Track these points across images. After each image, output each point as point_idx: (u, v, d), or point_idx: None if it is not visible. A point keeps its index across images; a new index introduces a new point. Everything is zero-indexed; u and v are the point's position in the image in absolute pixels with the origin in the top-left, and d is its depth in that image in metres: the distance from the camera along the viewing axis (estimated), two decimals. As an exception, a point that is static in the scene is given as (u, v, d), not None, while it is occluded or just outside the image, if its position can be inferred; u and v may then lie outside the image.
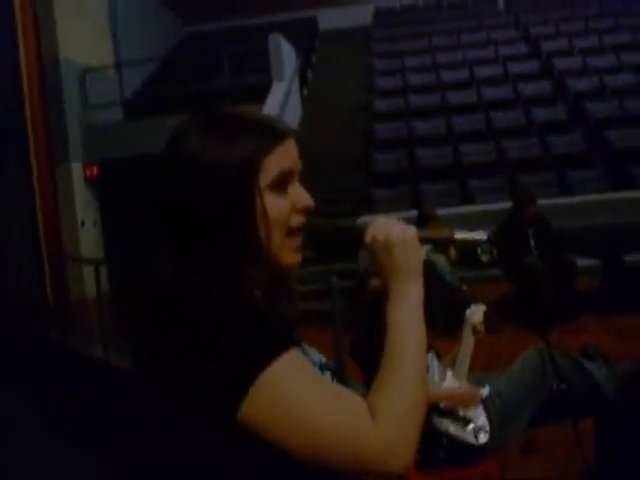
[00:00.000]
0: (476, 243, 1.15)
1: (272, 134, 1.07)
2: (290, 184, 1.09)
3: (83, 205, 11.36)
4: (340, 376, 1.18)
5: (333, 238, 1.17)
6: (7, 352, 7.06)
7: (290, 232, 1.09)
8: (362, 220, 1.20)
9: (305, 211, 1.10)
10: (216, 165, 1.02)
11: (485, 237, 1.15)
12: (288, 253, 1.10)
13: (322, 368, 1.13)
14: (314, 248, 1.16)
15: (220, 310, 0.96)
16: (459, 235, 1.15)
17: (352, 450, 0.93)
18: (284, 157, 1.07)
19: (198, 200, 1.02)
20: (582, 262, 6.81)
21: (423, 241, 1.13)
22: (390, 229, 1.12)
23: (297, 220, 1.10)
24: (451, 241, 1.16)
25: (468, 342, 2.87)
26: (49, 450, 4.96)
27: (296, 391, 0.93)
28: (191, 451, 0.98)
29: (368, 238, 1.13)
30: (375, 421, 0.96)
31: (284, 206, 1.07)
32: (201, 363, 0.93)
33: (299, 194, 1.10)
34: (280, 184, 1.07)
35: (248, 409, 0.91)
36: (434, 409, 2.72)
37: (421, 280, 1.13)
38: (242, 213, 1.03)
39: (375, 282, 2.88)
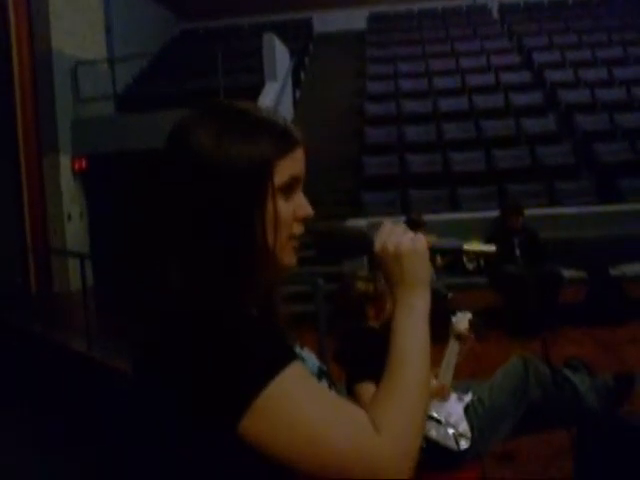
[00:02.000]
0: (486, 255, 1.14)
1: (288, 138, 1.05)
2: (295, 191, 1.08)
3: (70, 198, 11.30)
4: (334, 381, 1.17)
5: (341, 244, 1.16)
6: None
7: (290, 237, 1.07)
8: (370, 225, 1.18)
9: (305, 221, 1.09)
10: (231, 162, 0.99)
11: (494, 249, 1.14)
12: (288, 255, 1.08)
13: (320, 375, 1.12)
14: (319, 251, 1.15)
15: (228, 319, 0.95)
16: (468, 247, 1.14)
17: (356, 462, 0.91)
18: (295, 163, 1.06)
19: (208, 198, 0.99)
20: (568, 273, 6.83)
21: (432, 251, 1.12)
22: (400, 238, 1.09)
23: (297, 228, 1.08)
24: (461, 252, 1.15)
25: (453, 349, 2.88)
26: (26, 442, 4.93)
27: (300, 405, 0.91)
28: (186, 461, 0.96)
29: (378, 247, 1.11)
30: (378, 432, 0.94)
31: (289, 211, 1.06)
32: (204, 372, 0.91)
33: (302, 203, 1.08)
34: (288, 189, 1.05)
35: (250, 423, 0.89)
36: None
37: (429, 290, 1.12)
38: (254, 213, 1.01)
39: (361, 285, 2.89)
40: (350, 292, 2.85)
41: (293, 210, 1.07)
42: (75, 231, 11.29)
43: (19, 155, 10.81)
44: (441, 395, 2.79)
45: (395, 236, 1.10)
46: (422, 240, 1.10)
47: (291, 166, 1.05)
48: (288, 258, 1.08)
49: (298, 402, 0.91)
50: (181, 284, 0.99)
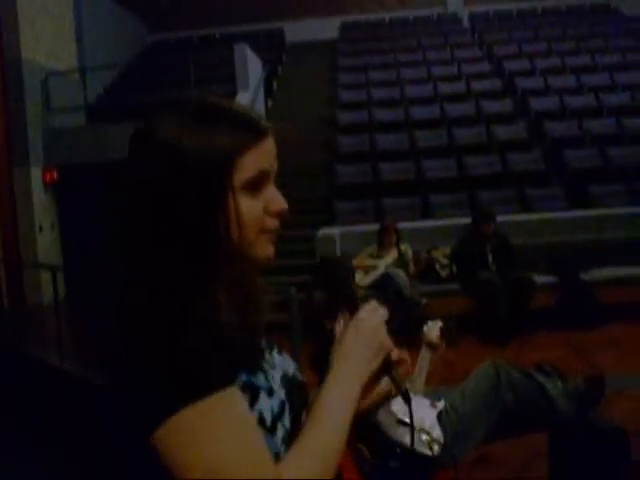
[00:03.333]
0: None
1: (253, 129, 1.01)
2: (265, 185, 1.03)
3: (41, 209, 11.20)
4: (301, 390, 1.15)
5: (335, 290, 1.19)
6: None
7: (262, 232, 1.04)
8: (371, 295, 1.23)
9: (279, 215, 1.06)
10: (191, 156, 0.96)
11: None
12: (261, 247, 1.04)
13: (273, 390, 1.05)
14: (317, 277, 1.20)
15: (171, 320, 0.91)
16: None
17: None
18: (262, 156, 1.01)
19: (164, 190, 0.97)
20: (539, 279, 6.89)
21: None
22: (377, 321, 1.14)
23: (271, 223, 1.04)
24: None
25: (424, 357, 2.92)
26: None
27: (215, 436, 0.89)
28: (121, 462, 0.97)
29: (360, 315, 1.14)
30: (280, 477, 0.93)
31: (257, 208, 1.02)
32: (138, 374, 0.90)
33: (273, 196, 1.05)
34: (255, 184, 1.01)
35: (163, 434, 0.88)
36: (390, 418, 2.75)
37: (361, 384, 1.10)
38: (212, 211, 0.97)
39: (318, 297, 2.92)
40: (311, 304, 2.89)
41: (264, 205, 1.03)
42: (47, 243, 11.18)
43: (-11, 167, 10.71)
44: (404, 366, 2.82)
45: (374, 318, 1.14)
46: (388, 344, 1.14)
47: (258, 160, 1.00)
48: (262, 250, 1.05)
49: (212, 432, 0.89)
50: (144, 286, 0.94)
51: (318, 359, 2.81)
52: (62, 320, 7.06)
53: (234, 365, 0.96)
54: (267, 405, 1.01)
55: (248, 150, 0.99)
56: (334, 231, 8.21)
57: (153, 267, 0.96)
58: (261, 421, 0.99)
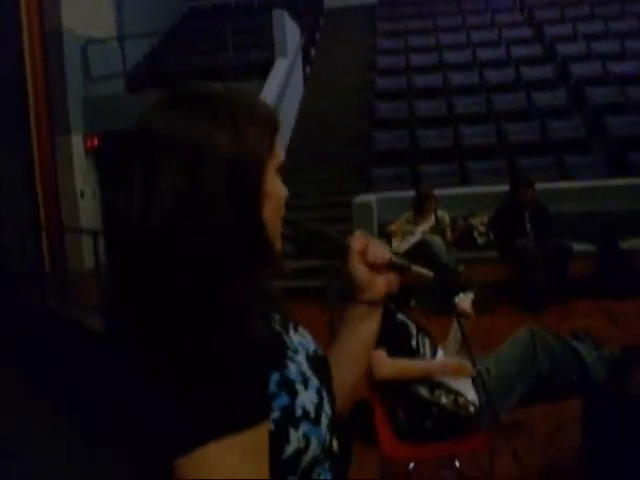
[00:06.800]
0: (423, 278, 1.17)
1: (274, 119, 1.02)
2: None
3: (83, 176, 11.37)
4: (326, 365, 1.11)
5: (320, 246, 1.17)
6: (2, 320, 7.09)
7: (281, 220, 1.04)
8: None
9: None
10: (242, 147, 0.94)
11: (431, 275, 1.18)
12: (278, 241, 1.03)
13: (307, 378, 1.01)
14: (299, 247, 1.15)
15: (222, 335, 0.87)
16: (415, 267, 1.17)
17: None
18: (280, 145, 1.04)
19: (220, 181, 0.93)
20: (577, 247, 6.85)
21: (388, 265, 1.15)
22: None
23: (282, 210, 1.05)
24: (408, 269, 1.18)
25: (456, 327, 3.00)
26: (36, 420, 5.00)
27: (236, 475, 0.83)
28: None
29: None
30: None
31: (284, 191, 1.03)
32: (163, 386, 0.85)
33: (282, 183, 1.04)
34: (279, 170, 1.02)
35: (184, 463, 0.82)
36: (426, 381, 2.80)
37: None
38: (259, 194, 0.97)
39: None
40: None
41: None
42: (88, 209, 11.37)
43: (31, 134, 10.84)
44: (464, 373, 2.87)
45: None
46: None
47: (280, 147, 1.03)
48: (277, 244, 1.04)
49: (236, 472, 0.83)
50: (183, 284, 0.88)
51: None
52: (103, 284, 7.19)
53: (266, 398, 0.92)
54: (307, 398, 0.98)
55: (275, 138, 1.01)
56: (371, 198, 8.22)
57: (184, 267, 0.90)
58: (306, 415, 0.95)
